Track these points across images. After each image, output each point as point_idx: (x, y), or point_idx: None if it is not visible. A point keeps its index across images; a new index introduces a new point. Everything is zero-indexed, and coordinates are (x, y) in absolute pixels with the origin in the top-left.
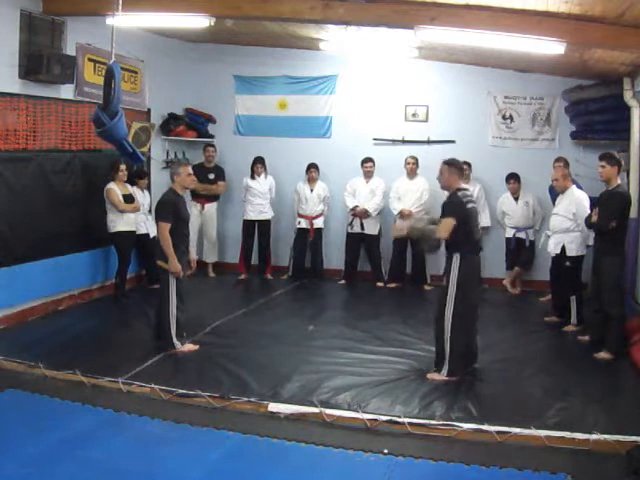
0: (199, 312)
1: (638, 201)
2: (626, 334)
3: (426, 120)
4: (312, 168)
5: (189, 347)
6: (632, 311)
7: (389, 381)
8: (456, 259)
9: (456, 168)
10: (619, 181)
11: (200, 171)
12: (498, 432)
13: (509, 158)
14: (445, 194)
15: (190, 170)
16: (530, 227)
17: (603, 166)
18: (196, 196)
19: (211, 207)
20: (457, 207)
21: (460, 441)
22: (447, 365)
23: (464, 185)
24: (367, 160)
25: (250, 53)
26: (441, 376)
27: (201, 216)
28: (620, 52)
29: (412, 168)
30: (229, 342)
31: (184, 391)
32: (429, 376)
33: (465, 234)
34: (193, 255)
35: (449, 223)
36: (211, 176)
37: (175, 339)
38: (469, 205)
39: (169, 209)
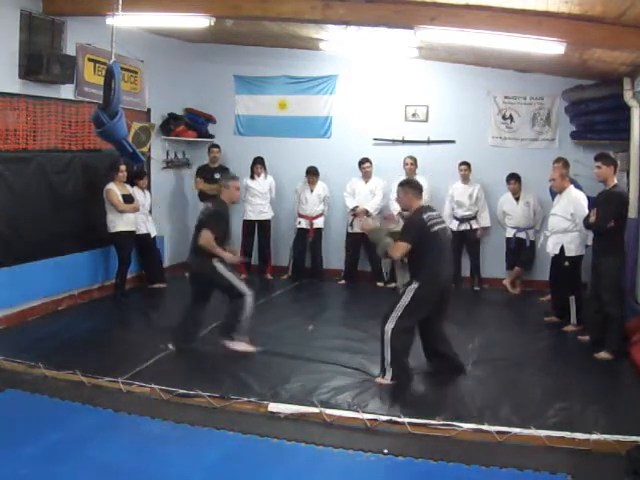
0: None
1: (638, 201)
2: (626, 334)
3: (426, 120)
4: (310, 173)
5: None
6: (632, 311)
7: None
8: (412, 287)
9: (410, 187)
10: (616, 181)
11: (206, 172)
12: (498, 432)
13: (509, 158)
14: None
15: (238, 184)
16: (530, 227)
17: (599, 167)
18: (205, 198)
19: None
20: (415, 228)
21: (460, 441)
22: (390, 370)
23: (426, 205)
24: (364, 160)
25: (250, 53)
26: (385, 380)
27: None
28: (620, 52)
29: (411, 168)
30: None
31: (184, 391)
32: (377, 380)
33: (426, 258)
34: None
35: (403, 247)
36: (217, 176)
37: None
38: (435, 228)
39: (222, 222)
